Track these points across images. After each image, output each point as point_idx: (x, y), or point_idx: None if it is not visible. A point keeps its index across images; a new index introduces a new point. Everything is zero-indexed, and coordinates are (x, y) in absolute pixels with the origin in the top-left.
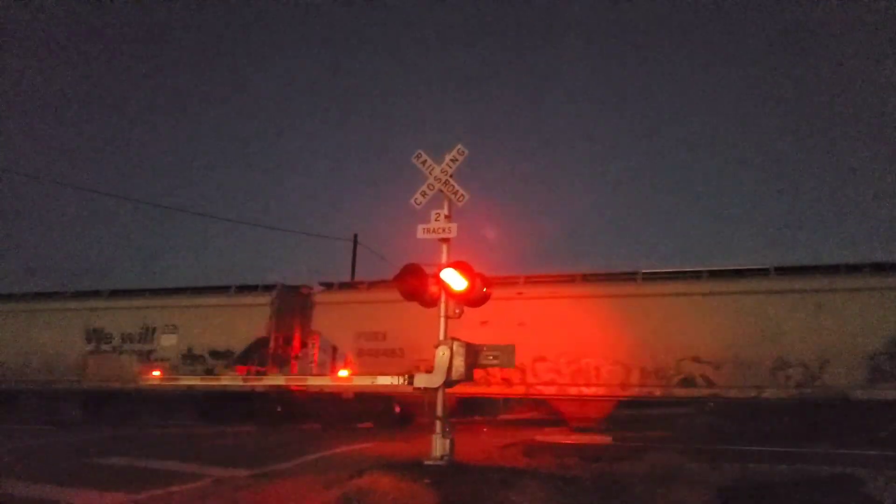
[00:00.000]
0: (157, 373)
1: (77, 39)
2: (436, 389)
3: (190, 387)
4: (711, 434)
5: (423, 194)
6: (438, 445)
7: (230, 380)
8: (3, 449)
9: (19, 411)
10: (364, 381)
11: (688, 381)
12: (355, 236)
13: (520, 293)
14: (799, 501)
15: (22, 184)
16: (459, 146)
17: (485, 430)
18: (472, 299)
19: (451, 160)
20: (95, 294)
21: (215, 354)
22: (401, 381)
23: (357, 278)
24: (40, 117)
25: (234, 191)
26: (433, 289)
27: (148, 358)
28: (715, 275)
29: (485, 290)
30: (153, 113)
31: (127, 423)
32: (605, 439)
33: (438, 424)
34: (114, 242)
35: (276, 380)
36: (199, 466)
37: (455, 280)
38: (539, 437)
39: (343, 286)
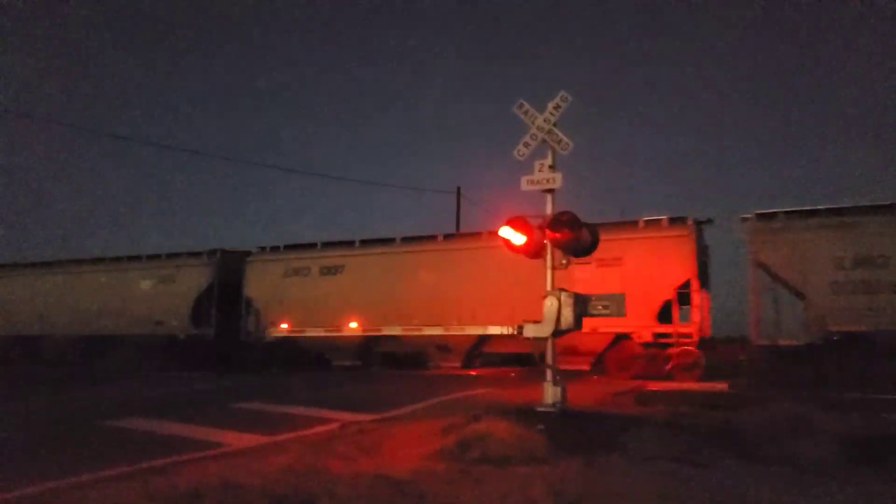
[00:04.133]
0: (284, 325)
1: None
2: (545, 339)
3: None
4: (843, 381)
5: (526, 145)
6: (550, 393)
7: (349, 330)
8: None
9: None
10: (475, 330)
11: None
12: (458, 189)
13: None
14: None
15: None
16: (563, 93)
17: (594, 378)
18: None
19: (555, 108)
20: None
21: None
22: (511, 330)
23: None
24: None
25: (335, 149)
26: (537, 240)
27: None
28: None
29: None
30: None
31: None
32: (720, 387)
33: (549, 373)
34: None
35: (392, 330)
36: (327, 411)
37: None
38: (651, 386)
39: None
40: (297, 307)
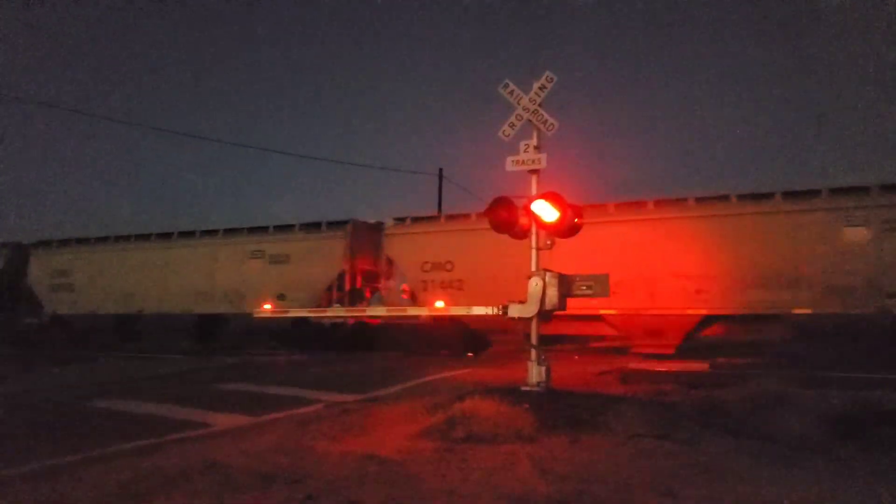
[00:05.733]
0: (268, 306)
1: None
2: (529, 319)
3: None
4: (808, 361)
5: (512, 126)
6: (534, 372)
7: (335, 312)
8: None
9: None
10: (460, 311)
11: None
12: (440, 170)
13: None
14: None
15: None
16: (548, 73)
17: (576, 357)
18: (562, 230)
19: (540, 88)
20: None
21: None
22: (495, 311)
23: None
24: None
25: (317, 130)
26: (523, 220)
27: None
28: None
29: (576, 220)
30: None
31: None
32: (701, 366)
33: (534, 352)
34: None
35: (376, 311)
36: (311, 392)
37: (546, 211)
38: (633, 365)
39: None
40: None
